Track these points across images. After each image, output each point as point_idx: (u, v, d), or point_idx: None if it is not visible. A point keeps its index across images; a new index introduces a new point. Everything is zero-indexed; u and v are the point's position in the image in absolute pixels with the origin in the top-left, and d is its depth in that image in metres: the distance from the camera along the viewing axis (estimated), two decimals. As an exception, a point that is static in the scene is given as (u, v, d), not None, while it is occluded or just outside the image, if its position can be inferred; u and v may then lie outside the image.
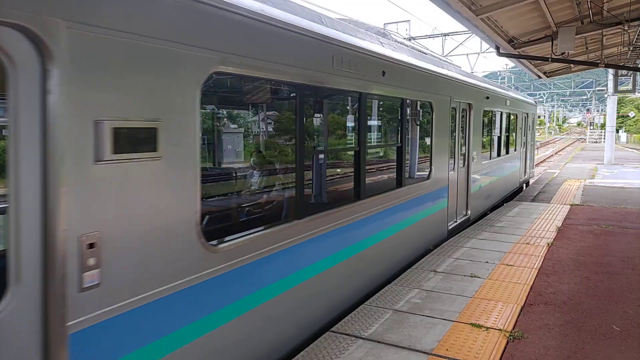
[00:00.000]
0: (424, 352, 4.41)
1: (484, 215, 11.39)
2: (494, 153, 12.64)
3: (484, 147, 11.39)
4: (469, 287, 6.18)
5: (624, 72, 22.50)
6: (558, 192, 16.01)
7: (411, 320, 5.12)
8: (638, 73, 21.40)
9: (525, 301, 5.72)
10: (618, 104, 35.39)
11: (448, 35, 25.70)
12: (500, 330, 4.90)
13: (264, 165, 6.34)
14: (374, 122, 7.22)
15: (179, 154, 3.13)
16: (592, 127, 72.07)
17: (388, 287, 6.16)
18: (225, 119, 7.17)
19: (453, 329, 4.92)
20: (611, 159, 28.15)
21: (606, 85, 35.61)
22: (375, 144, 7.57)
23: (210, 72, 3.39)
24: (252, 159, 6.47)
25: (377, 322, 5.06)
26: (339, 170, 7.35)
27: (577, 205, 13.11)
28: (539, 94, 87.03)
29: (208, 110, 6.31)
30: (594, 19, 11.39)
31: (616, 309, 5.53)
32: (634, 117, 67.65)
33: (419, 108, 7.73)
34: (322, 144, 6.37)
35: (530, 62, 15.60)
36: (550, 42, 12.06)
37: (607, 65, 15.23)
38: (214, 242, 3.58)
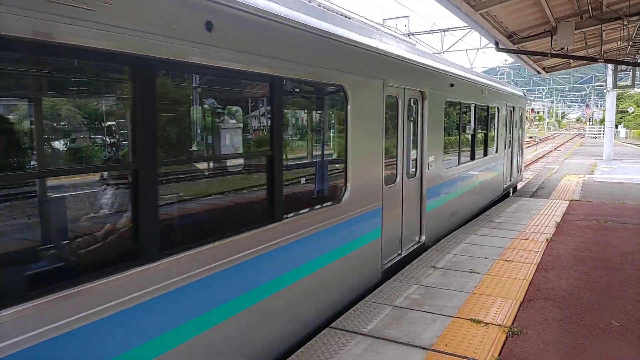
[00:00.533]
0: (423, 348, 4.41)
1: (451, 231, 9.16)
2: (465, 156, 10.33)
3: (448, 149, 9.19)
4: (468, 282, 6.18)
5: (623, 67, 22.47)
6: (557, 187, 16.01)
7: (410, 316, 5.13)
8: (637, 68, 21.36)
9: (524, 297, 5.73)
10: (617, 99, 35.37)
11: (447, 30, 25.62)
12: (499, 325, 4.91)
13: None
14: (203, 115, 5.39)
15: None
16: (591, 123, 72.03)
17: (387, 283, 6.16)
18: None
19: (452, 324, 4.93)
20: (610, 155, 28.15)
21: (605, 81, 35.63)
22: (214, 153, 5.36)
23: None
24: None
25: (376, 318, 5.06)
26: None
27: (576, 200, 13.11)
28: (538, 90, 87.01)
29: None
30: (594, 14, 11.35)
31: (615, 304, 5.53)
32: (633, 112, 67.60)
33: (316, 94, 5.68)
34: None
35: (530, 58, 15.53)
36: (550, 38, 12.01)
37: (607, 61, 15.16)
38: None
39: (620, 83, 26.07)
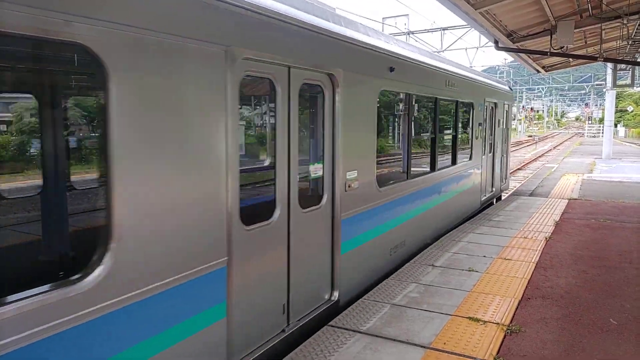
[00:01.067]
0: (422, 346, 4.42)
1: (399, 266, 6.91)
2: (422, 167, 8.11)
3: (390, 159, 7.36)
4: (466, 281, 6.19)
5: (623, 66, 22.45)
6: (556, 186, 16.02)
7: (409, 314, 5.13)
8: (637, 67, 21.37)
9: (523, 295, 5.74)
10: (616, 98, 35.39)
11: (447, 29, 25.61)
12: (497, 324, 4.91)
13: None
14: None
15: None
16: (590, 122, 72.09)
17: (386, 281, 6.16)
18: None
19: (451, 322, 4.93)
20: (609, 154, 28.17)
21: (605, 80, 35.59)
22: None
23: None
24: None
25: (375, 316, 5.06)
26: None
27: (575, 199, 13.12)
28: (538, 89, 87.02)
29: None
30: (593, 12, 11.35)
31: (613, 303, 5.54)
32: (632, 111, 67.60)
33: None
34: None
35: (529, 56, 15.53)
36: (549, 36, 12.01)
37: (606, 60, 15.17)
38: None
39: (619, 82, 26.07)
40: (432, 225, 8.48)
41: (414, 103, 7.56)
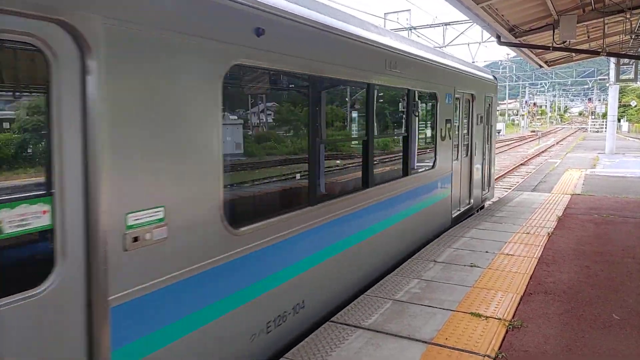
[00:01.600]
0: (424, 342, 4.42)
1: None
2: (335, 186, 6.03)
3: (265, 171, 5.07)
4: (468, 276, 6.19)
5: (626, 60, 22.36)
6: (559, 181, 16.00)
7: (411, 310, 5.13)
8: (640, 61, 21.25)
9: (525, 290, 5.73)
10: (620, 93, 35.22)
11: (449, 24, 25.51)
12: (499, 319, 4.91)
13: None
14: None
15: None
16: (593, 117, 71.87)
17: (388, 277, 6.16)
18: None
19: (452, 318, 4.93)
20: (612, 149, 28.11)
21: (608, 74, 35.45)
22: None
23: None
24: None
25: (377, 312, 5.07)
26: None
27: (578, 194, 13.10)
28: (541, 84, 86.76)
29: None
30: (596, 6, 11.30)
31: (616, 298, 5.53)
32: (635, 106, 67.36)
33: None
34: None
35: (532, 51, 15.47)
36: (552, 31, 11.96)
37: (609, 54, 15.09)
38: None
39: (622, 76, 25.93)
40: (364, 264, 5.98)
41: (320, 89, 5.12)
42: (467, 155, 10.14)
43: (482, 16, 10.26)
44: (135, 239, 2.94)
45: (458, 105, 9.30)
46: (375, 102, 6.11)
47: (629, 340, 4.53)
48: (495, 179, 20.09)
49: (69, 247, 2.62)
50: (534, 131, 63.56)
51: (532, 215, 10.06)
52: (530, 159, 29.16)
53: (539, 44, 13.92)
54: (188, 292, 3.33)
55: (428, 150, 8.23)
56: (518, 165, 25.43)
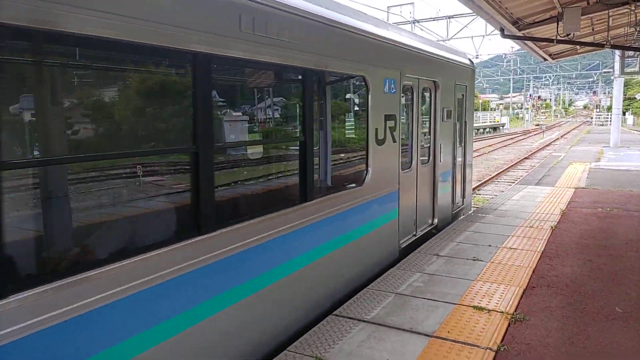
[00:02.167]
0: (426, 335, 4.43)
1: None
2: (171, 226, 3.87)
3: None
4: (471, 270, 6.19)
5: (631, 53, 22.19)
6: (563, 175, 15.94)
7: (413, 303, 5.14)
8: (645, 54, 21.10)
9: (528, 284, 5.73)
10: (625, 85, 35.02)
11: (453, 17, 25.37)
12: (502, 312, 4.91)
13: None
14: None
15: None
16: (598, 110, 71.44)
17: (391, 271, 6.18)
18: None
19: (455, 311, 4.94)
20: (617, 142, 27.96)
21: (613, 67, 35.19)
22: None
23: None
24: None
25: (379, 305, 5.08)
26: None
27: (582, 188, 13.05)
28: (545, 77, 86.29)
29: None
30: (600, -1, 11.20)
31: (619, 291, 5.53)
32: (640, 99, 66.87)
33: None
34: None
35: (536, 44, 15.35)
36: (556, 23, 11.86)
37: (613, 47, 14.98)
38: None
39: (627, 69, 25.76)
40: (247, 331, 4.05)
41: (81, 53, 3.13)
42: (428, 162, 8.15)
43: (485, 8, 10.19)
44: None
45: (411, 96, 7.41)
46: (217, 88, 4.07)
47: (631, 333, 4.52)
48: (499, 173, 20.14)
49: None
50: (538, 125, 63.28)
51: (535, 209, 10.04)
52: (534, 152, 29.07)
53: (543, 37, 13.81)
54: None
55: (354, 161, 6.20)
56: (522, 159, 25.35)
